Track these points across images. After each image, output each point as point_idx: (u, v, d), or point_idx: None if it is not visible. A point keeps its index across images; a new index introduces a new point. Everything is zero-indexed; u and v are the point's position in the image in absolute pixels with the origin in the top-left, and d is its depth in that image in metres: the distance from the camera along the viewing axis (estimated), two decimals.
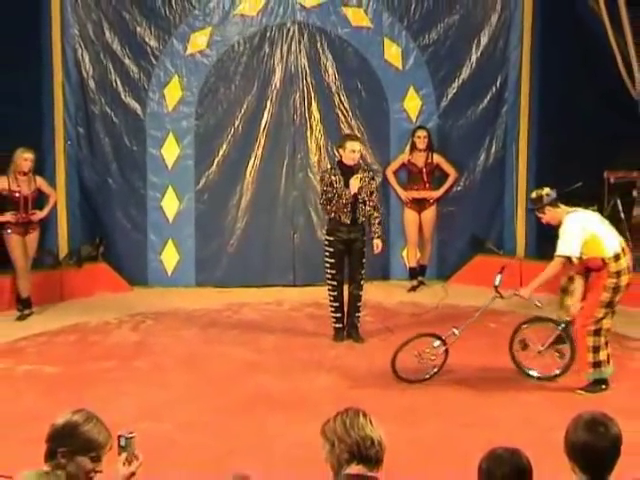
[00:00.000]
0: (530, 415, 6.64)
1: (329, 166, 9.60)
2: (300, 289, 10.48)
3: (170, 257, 10.76)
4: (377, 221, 8.58)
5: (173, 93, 10.63)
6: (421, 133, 10.49)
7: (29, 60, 10.36)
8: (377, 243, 8.60)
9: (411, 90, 10.80)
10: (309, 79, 10.73)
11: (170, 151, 10.63)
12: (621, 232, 10.40)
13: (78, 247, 10.61)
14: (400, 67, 10.80)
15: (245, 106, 10.70)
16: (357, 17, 10.71)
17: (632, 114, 9.49)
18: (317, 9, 10.67)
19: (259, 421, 6.56)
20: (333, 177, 8.50)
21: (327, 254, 8.53)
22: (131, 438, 3.65)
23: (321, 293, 9.39)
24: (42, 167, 10.37)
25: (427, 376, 7.40)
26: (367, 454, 3.39)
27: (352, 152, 8.47)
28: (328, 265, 8.54)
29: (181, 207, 10.71)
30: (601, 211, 10.62)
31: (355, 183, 8.37)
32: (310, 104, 10.73)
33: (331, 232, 8.52)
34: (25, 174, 9.20)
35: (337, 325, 8.66)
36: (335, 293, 8.58)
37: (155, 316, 9.64)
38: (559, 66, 10.34)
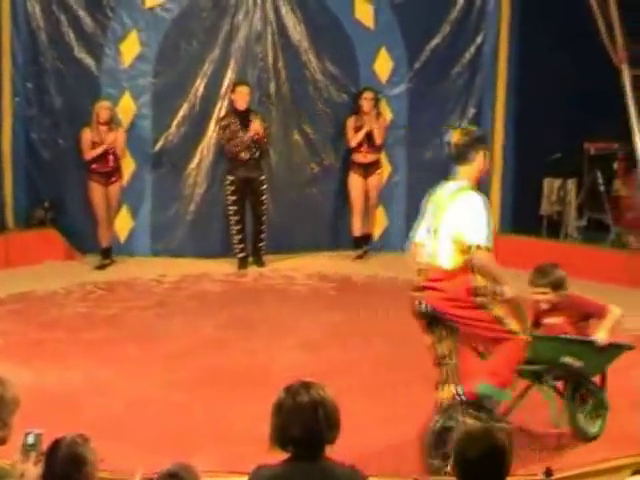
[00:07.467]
0: None
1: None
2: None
3: (124, 224, 10.45)
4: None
5: (130, 48, 10.34)
6: (368, 95, 10.32)
7: None
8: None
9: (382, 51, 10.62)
10: (276, 37, 10.48)
11: (126, 110, 10.31)
12: (600, 207, 10.43)
13: (26, 211, 10.34)
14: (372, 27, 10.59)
15: (207, 64, 10.44)
16: None
17: (614, 82, 9.36)
18: None
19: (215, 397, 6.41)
20: (232, 121, 9.89)
21: (228, 192, 9.97)
22: (40, 435, 3.43)
23: (290, 263, 10.22)
24: None
25: None
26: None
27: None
28: (230, 202, 9.97)
29: (136, 170, 10.39)
30: (580, 184, 10.56)
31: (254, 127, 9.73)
32: (276, 63, 10.51)
33: (230, 171, 9.94)
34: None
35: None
36: (238, 227, 9.97)
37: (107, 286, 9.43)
38: (540, 32, 10.14)
